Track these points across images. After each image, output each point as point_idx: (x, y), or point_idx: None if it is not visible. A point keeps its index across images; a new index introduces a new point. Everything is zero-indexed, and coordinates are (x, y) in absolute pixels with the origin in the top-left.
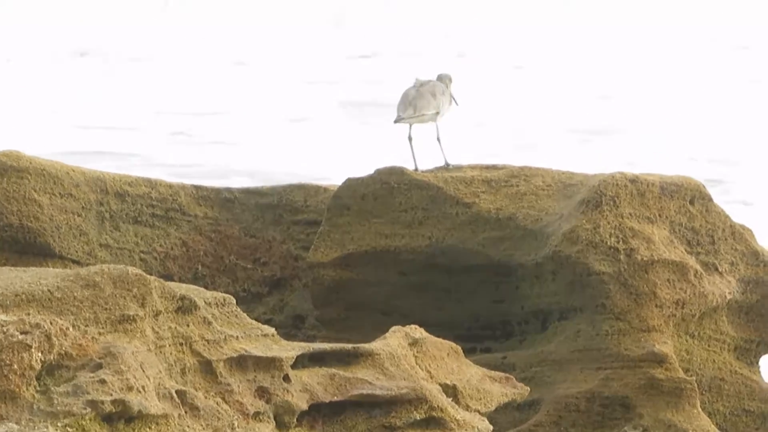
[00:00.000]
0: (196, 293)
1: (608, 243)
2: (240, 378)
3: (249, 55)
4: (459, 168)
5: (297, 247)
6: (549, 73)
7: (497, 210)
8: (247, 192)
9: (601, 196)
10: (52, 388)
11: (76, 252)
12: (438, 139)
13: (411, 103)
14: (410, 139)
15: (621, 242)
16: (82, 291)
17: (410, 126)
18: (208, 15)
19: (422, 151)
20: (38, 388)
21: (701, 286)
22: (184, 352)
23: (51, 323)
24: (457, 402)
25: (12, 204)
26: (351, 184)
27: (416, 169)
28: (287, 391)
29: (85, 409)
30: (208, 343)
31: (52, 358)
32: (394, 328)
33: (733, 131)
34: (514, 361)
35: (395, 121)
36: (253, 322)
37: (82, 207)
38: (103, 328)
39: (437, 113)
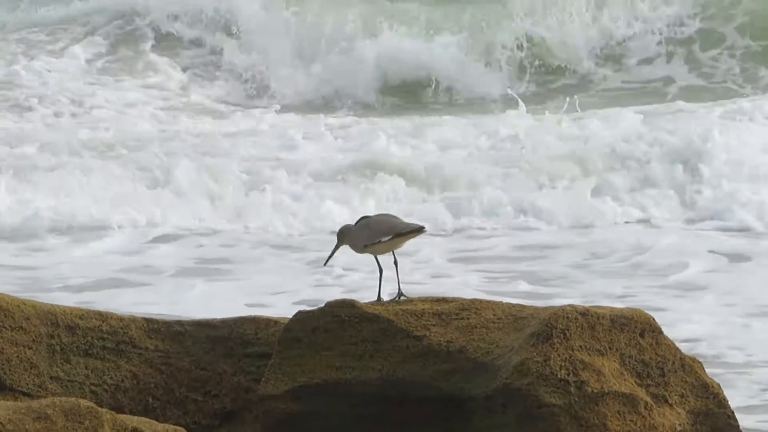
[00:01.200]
0: (148, 425)
1: (558, 375)
2: None
3: None
4: (409, 300)
5: (248, 379)
6: None
7: (447, 342)
8: (198, 325)
9: (552, 329)
10: None
11: (27, 384)
12: (395, 263)
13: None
14: (396, 263)
15: (571, 374)
16: (34, 423)
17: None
18: None
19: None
20: None
21: (651, 417)
22: None
23: None
24: None
25: None
26: (302, 317)
27: (380, 299)
28: None
29: None
30: None
31: None
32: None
33: None
34: None
35: (421, 230)
36: None
37: (33, 340)
38: None
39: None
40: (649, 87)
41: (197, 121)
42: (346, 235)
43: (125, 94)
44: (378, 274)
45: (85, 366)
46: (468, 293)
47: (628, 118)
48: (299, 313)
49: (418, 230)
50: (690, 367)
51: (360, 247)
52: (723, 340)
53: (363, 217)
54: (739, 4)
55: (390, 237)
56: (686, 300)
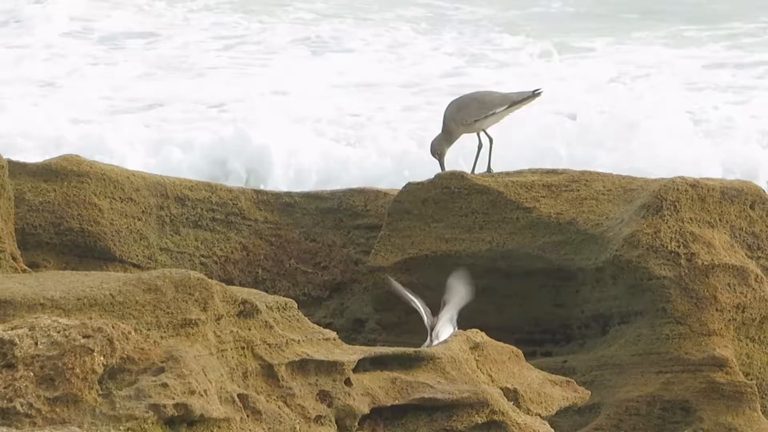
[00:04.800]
0: (258, 297)
1: (669, 247)
2: (302, 382)
3: None
4: (519, 173)
5: (357, 251)
6: None
7: (557, 214)
8: (308, 196)
9: (662, 200)
10: (115, 392)
11: (137, 256)
12: (490, 140)
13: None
14: (491, 140)
15: (682, 247)
16: (144, 295)
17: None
18: None
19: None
20: (100, 392)
21: (762, 290)
22: (245, 356)
23: (113, 327)
24: (518, 406)
25: (72, 208)
26: (411, 189)
27: (490, 171)
28: (349, 394)
29: (147, 412)
30: (270, 347)
31: (114, 361)
32: (455, 332)
33: None
34: (575, 365)
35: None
36: (315, 326)
37: (143, 211)
38: (165, 332)
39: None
40: None
41: None
42: (440, 142)
43: None
44: (476, 148)
45: (194, 237)
46: None
47: None
48: (409, 184)
49: (534, 95)
50: None
51: (467, 124)
52: None
53: (451, 103)
54: None
55: (505, 107)
56: None
